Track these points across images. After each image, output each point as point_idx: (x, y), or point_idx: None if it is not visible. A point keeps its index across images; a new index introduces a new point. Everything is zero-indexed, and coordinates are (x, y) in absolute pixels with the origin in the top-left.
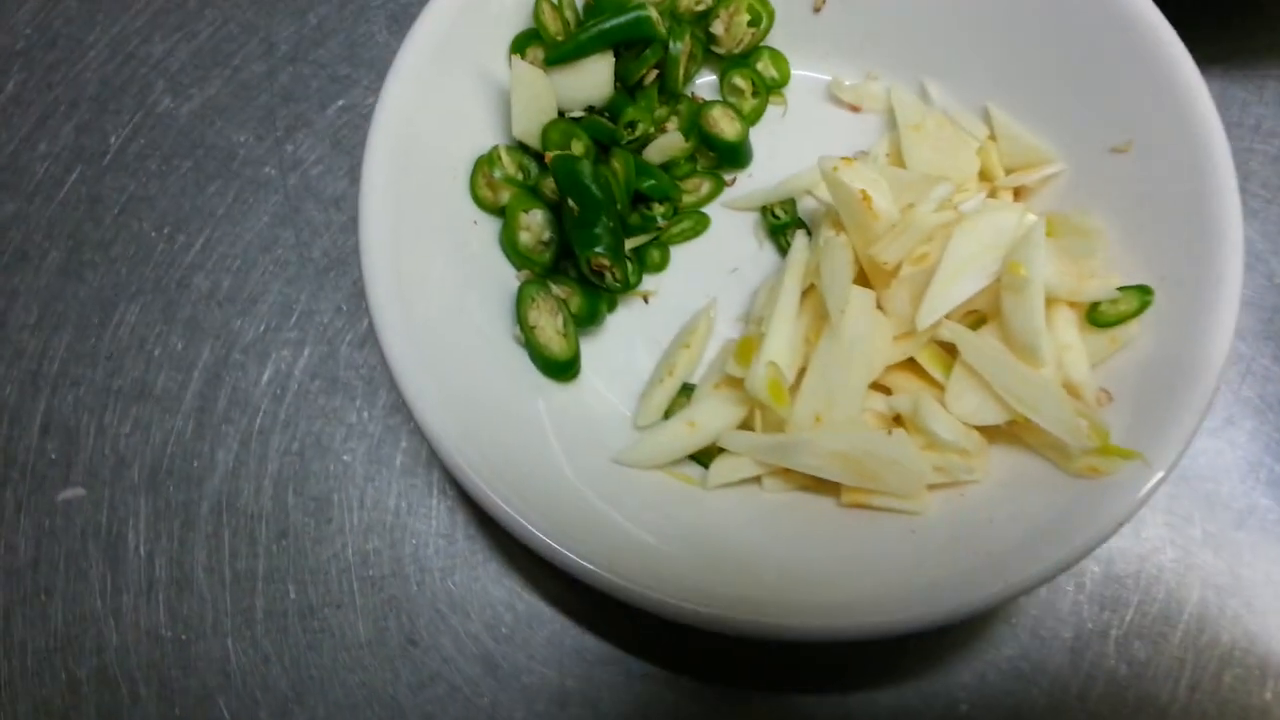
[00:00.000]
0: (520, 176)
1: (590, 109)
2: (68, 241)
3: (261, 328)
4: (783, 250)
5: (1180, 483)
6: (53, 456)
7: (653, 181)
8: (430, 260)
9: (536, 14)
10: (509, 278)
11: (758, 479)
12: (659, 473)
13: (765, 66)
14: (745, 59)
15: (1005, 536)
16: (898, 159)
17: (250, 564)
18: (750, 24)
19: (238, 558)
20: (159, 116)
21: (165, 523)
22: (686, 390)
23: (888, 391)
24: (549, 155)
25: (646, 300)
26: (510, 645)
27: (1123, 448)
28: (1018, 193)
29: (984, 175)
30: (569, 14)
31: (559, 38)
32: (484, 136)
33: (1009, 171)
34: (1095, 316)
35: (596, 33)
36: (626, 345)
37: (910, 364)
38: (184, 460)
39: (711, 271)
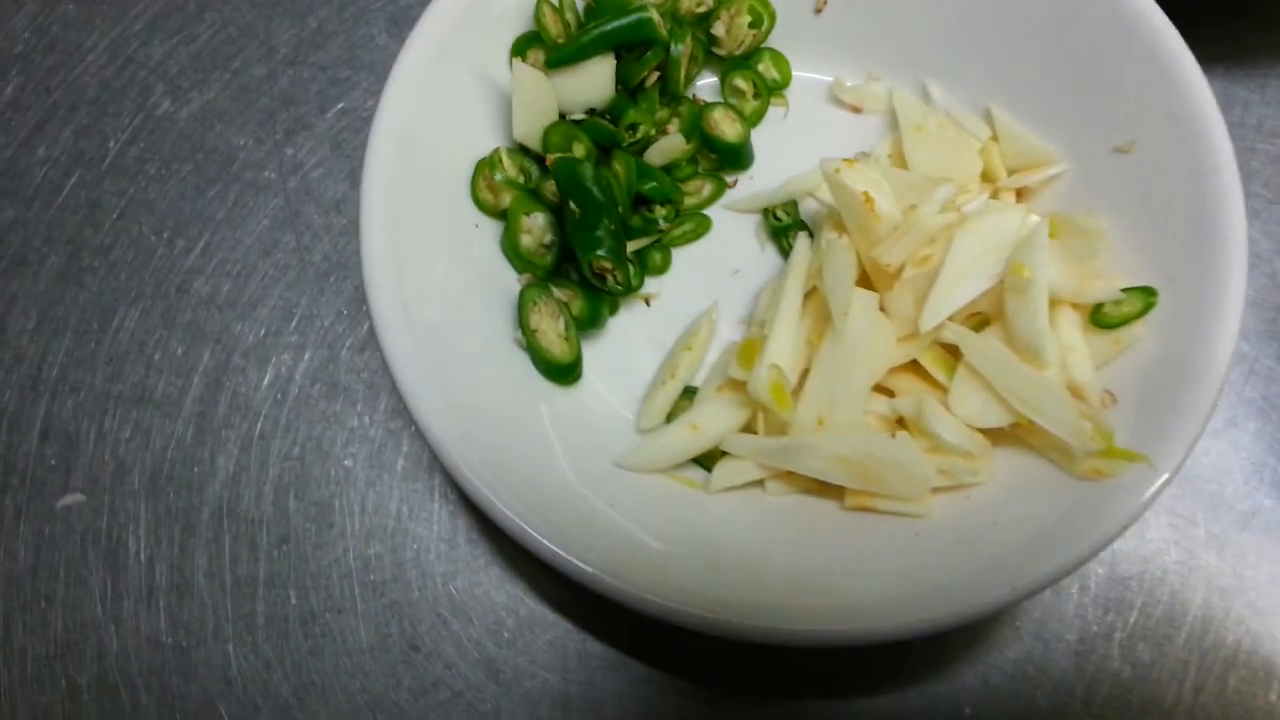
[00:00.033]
0: (521, 179)
1: (591, 111)
2: (67, 246)
3: (262, 332)
4: (784, 252)
5: (1184, 484)
6: (52, 462)
7: (654, 184)
8: (431, 264)
9: (537, 16)
10: (510, 281)
11: (761, 482)
12: (661, 476)
13: (766, 68)
14: (746, 60)
15: (1010, 539)
16: (900, 160)
17: (251, 569)
18: (751, 25)
19: (238, 563)
20: (158, 120)
21: (166, 528)
22: (689, 393)
23: (891, 394)
24: (550, 158)
25: (648, 303)
26: (513, 650)
27: (1127, 450)
28: (1020, 194)
29: (986, 176)
30: (570, 16)
31: (560, 40)
32: (485, 139)
33: (1011, 172)
34: (1099, 318)
35: (597, 35)
36: (628, 348)
37: (913, 366)
38: (184, 466)
39: (713, 274)
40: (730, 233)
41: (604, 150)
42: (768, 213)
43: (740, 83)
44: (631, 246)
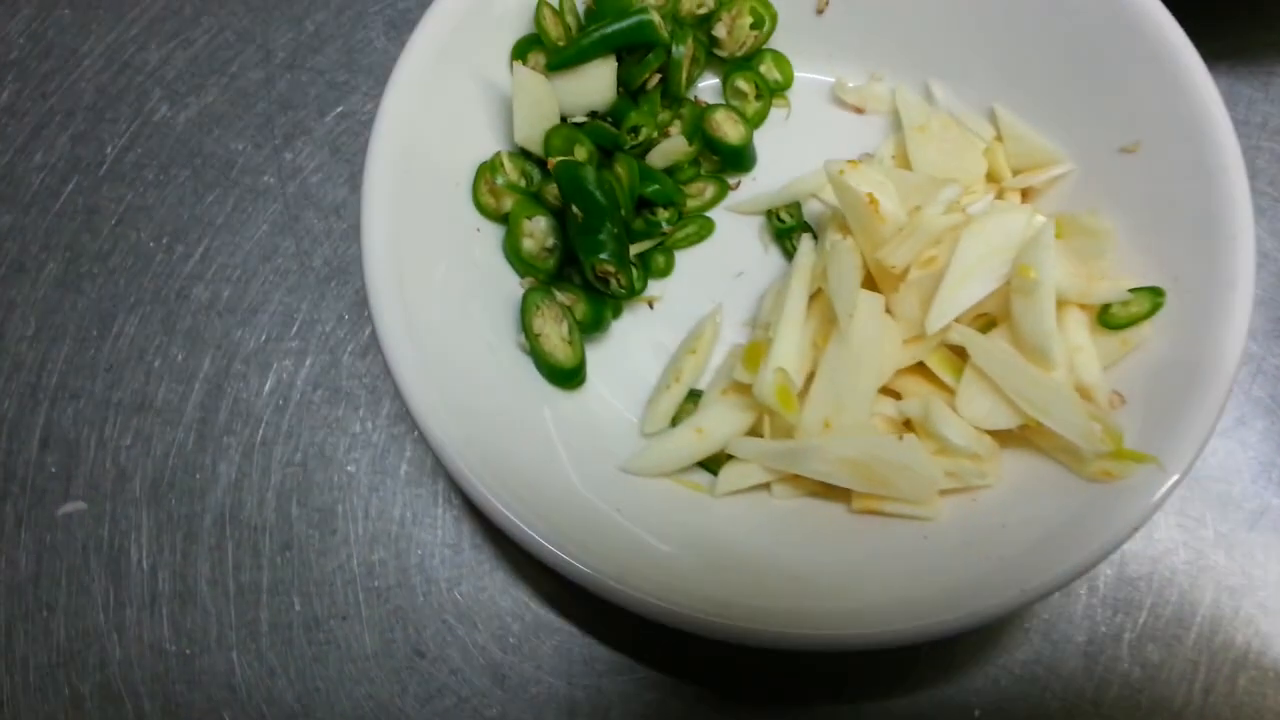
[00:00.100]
0: (523, 183)
1: (593, 114)
2: (65, 253)
3: (262, 338)
4: (788, 254)
5: (1192, 484)
6: (53, 470)
7: (656, 186)
8: (433, 268)
9: (538, 19)
10: (512, 285)
11: (767, 486)
12: (666, 480)
13: (768, 69)
14: (748, 62)
15: (1019, 541)
16: (903, 161)
17: (254, 576)
18: (753, 26)
19: (241, 570)
20: (156, 125)
21: (168, 536)
22: (694, 396)
23: (897, 396)
24: (552, 161)
25: (652, 306)
26: (518, 656)
27: (1136, 451)
28: (1025, 194)
29: (991, 176)
30: (570, 19)
31: (561, 43)
32: (486, 143)
33: (1016, 172)
34: (1107, 319)
35: (598, 37)
36: (632, 352)
37: (920, 368)
38: (186, 473)
39: (717, 276)
40: (733, 235)
41: (606, 153)
42: (771, 214)
43: (742, 84)
44: (634, 249)
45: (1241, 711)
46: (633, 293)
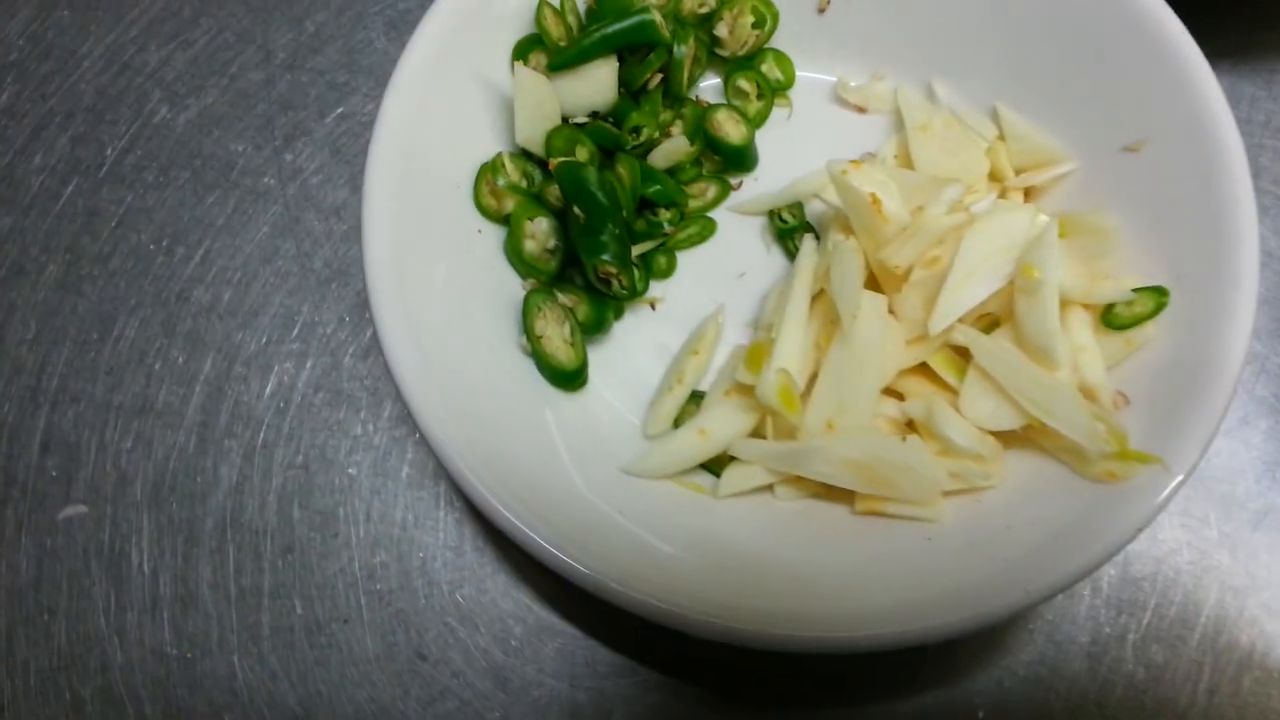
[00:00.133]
0: (524, 184)
1: (594, 114)
2: (65, 255)
3: (263, 340)
4: (790, 254)
5: (1196, 484)
6: (53, 474)
7: (658, 187)
8: (434, 269)
9: (539, 19)
10: (514, 286)
11: (770, 487)
12: (669, 482)
13: (770, 68)
14: (749, 61)
15: (1023, 543)
16: (905, 160)
17: (256, 580)
18: (754, 26)
19: (243, 573)
20: (156, 127)
21: (169, 539)
22: (696, 398)
23: (901, 397)
24: (553, 162)
25: (654, 307)
26: (520, 658)
27: (1141, 452)
28: (1028, 193)
29: (994, 176)
30: (572, 19)
31: (562, 43)
32: (487, 144)
33: (1019, 171)
34: (1110, 318)
35: (600, 38)
36: (634, 353)
37: (923, 369)
38: (187, 476)
39: (719, 277)
40: (735, 235)
41: (607, 154)
42: (773, 215)
43: (744, 84)
44: (636, 250)
45: (1246, 712)
46: (635, 294)
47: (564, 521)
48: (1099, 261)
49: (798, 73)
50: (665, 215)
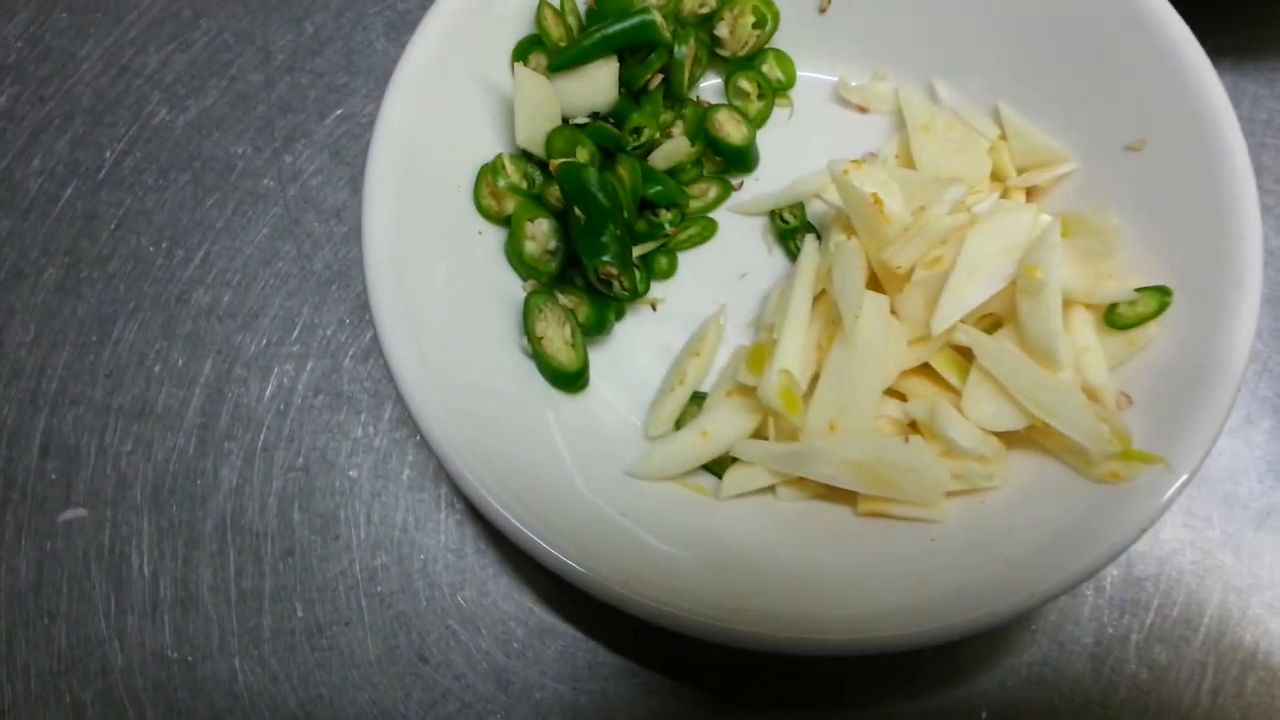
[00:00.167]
0: (524, 185)
1: (595, 115)
2: (64, 258)
3: (263, 342)
4: (792, 255)
5: (1198, 483)
6: (53, 477)
7: (659, 187)
8: (435, 271)
9: (539, 20)
10: (515, 288)
11: (772, 488)
12: (671, 484)
13: (771, 68)
14: (750, 61)
15: (1026, 544)
16: (907, 160)
17: (256, 582)
18: (755, 26)
19: (243, 576)
20: (155, 129)
21: (169, 542)
22: (697, 399)
23: (903, 398)
24: (554, 163)
25: (655, 308)
26: (522, 661)
27: (1144, 452)
28: (1030, 193)
29: (996, 175)
30: (572, 19)
31: (562, 44)
32: (487, 145)
33: (1021, 171)
34: (1113, 318)
35: (600, 38)
36: (635, 354)
37: (925, 369)
38: (187, 478)
39: (720, 277)
40: (736, 236)
41: (608, 154)
42: (774, 215)
43: (744, 84)
44: (637, 251)
45: (1250, 713)
46: (636, 295)
47: (565, 523)
48: (1102, 261)
49: (799, 73)
50: (666, 216)
